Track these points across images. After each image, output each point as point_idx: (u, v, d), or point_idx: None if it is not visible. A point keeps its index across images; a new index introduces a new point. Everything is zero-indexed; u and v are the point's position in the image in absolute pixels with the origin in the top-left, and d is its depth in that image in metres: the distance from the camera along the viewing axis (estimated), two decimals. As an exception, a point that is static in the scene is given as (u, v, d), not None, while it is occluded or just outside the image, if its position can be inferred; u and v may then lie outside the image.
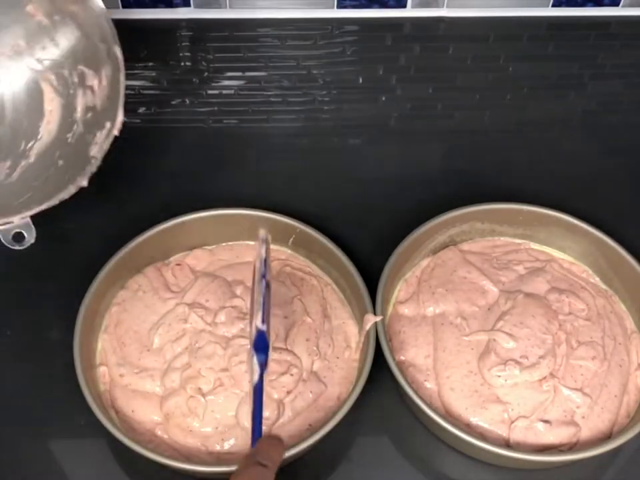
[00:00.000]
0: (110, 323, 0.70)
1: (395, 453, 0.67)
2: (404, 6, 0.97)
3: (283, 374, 0.66)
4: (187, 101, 0.91)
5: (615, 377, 0.67)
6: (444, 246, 0.76)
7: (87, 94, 0.73)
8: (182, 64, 0.95)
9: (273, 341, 0.67)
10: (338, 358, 0.69)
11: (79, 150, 0.72)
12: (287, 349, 0.68)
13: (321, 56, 0.95)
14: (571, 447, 0.64)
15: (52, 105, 0.77)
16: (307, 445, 0.60)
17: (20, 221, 0.68)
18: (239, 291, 0.71)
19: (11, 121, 0.75)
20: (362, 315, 0.68)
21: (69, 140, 0.73)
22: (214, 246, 0.76)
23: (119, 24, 0.96)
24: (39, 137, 0.73)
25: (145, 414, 0.65)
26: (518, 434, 0.64)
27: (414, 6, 0.97)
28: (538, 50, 0.97)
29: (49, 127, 0.73)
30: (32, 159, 0.73)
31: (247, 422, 0.63)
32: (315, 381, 0.67)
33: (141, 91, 0.92)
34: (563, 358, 0.67)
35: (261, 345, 0.58)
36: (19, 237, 0.69)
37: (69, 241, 0.79)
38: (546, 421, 0.64)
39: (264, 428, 0.58)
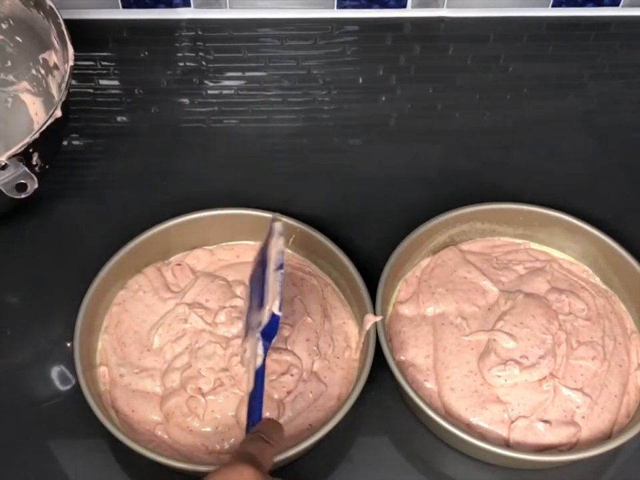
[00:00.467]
0: (110, 323, 0.70)
1: (395, 453, 0.67)
2: (404, 6, 0.97)
3: (283, 374, 0.66)
4: (187, 101, 0.91)
5: (615, 377, 0.67)
6: (444, 246, 0.76)
7: (55, 74, 0.73)
8: (182, 64, 0.94)
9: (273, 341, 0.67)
10: (338, 358, 0.69)
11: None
12: (287, 349, 0.68)
13: (320, 56, 0.95)
14: (571, 447, 0.64)
15: (35, 108, 0.81)
16: (307, 445, 0.60)
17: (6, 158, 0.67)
18: (239, 291, 0.71)
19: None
20: (362, 315, 0.68)
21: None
22: (214, 246, 0.76)
23: (119, 24, 0.97)
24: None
25: (145, 414, 0.65)
26: (518, 434, 0.64)
27: (414, 6, 0.97)
28: (538, 50, 0.97)
29: (37, 126, 0.73)
30: None
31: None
32: (315, 381, 0.67)
33: (141, 91, 0.92)
34: (562, 358, 0.67)
35: (271, 331, 0.58)
36: (21, 187, 0.68)
37: (69, 241, 0.79)
38: (546, 421, 0.64)
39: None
